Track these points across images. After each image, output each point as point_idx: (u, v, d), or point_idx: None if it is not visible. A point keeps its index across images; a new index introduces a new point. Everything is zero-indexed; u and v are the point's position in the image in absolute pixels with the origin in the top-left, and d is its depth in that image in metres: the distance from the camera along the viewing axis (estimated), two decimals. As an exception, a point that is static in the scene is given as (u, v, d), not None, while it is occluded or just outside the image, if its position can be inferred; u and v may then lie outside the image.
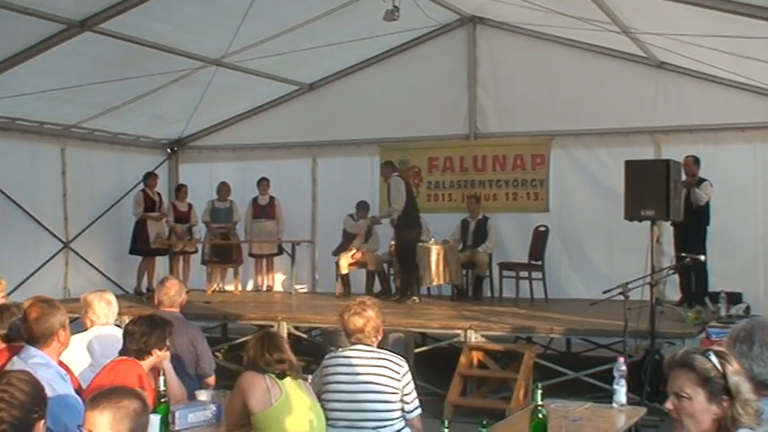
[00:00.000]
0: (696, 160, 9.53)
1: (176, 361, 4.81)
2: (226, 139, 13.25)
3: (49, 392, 2.90)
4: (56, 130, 11.48)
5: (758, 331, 2.89)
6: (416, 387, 4.58)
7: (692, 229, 9.21)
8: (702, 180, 9.45)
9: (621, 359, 4.78)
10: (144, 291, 11.50)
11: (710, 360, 2.52)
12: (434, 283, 10.63)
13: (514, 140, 11.65)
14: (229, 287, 12.37)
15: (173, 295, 5.52)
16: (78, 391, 3.99)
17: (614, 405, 4.66)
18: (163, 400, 3.93)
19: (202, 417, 4.28)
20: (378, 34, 10.26)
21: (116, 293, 5.73)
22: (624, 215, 8.25)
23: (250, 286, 12.78)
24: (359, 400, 4.36)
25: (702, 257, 8.37)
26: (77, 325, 5.19)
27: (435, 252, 10.39)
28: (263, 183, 12.25)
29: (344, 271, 11.32)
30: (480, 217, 11.10)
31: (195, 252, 12.32)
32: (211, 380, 5.40)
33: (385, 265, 11.41)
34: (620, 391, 4.66)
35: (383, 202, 11.54)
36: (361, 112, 12.05)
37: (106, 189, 12.28)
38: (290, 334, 8.76)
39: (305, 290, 12.58)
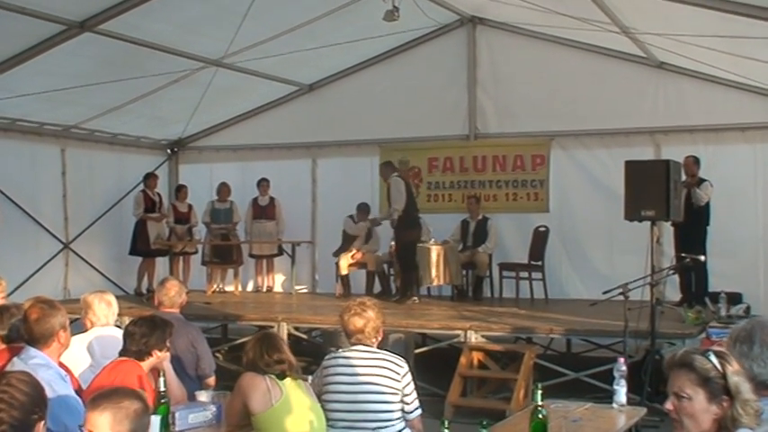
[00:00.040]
0: (696, 160, 9.54)
1: (176, 362, 4.81)
2: (226, 139, 13.25)
3: (49, 393, 2.90)
4: (56, 131, 11.48)
5: (758, 331, 2.89)
6: (416, 387, 4.57)
7: (692, 229, 9.21)
8: (702, 180, 9.45)
9: (621, 359, 4.78)
10: (144, 291, 11.49)
11: (710, 360, 2.52)
12: (434, 284, 10.63)
13: (514, 141, 11.64)
14: (229, 288, 12.35)
15: (173, 296, 5.52)
16: (78, 391, 3.99)
17: (614, 405, 4.66)
18: (163, 400, 3.92)
19: (202, 417, 4.28)
20: (378, 35, 10.25)
21: (116, 294, 5.72)
22: (624, 215, 8.24)
23: (250, 287, 12.77)
24: (359, 400, 4.36)
25: (702, 258, 8.38)
26: (77, 326, 5.18)
27: (435, 252, 10.38)
28: (263, 183, 12.25)
29: (344, 271, 11.32)
30: (480, 217, 11.09)
31: (195, 253, 12.31)
32: (211, 380, 5.40)
33: (385, 266, 11.41)
34: (621, 391, 4.66)
35: (383, 203, 11.52)
36: (361, 113, 12.05)
37: (106, 190, 12.27)
38: (290, 334, 8.77)
39: (305, 290, 12.58)
